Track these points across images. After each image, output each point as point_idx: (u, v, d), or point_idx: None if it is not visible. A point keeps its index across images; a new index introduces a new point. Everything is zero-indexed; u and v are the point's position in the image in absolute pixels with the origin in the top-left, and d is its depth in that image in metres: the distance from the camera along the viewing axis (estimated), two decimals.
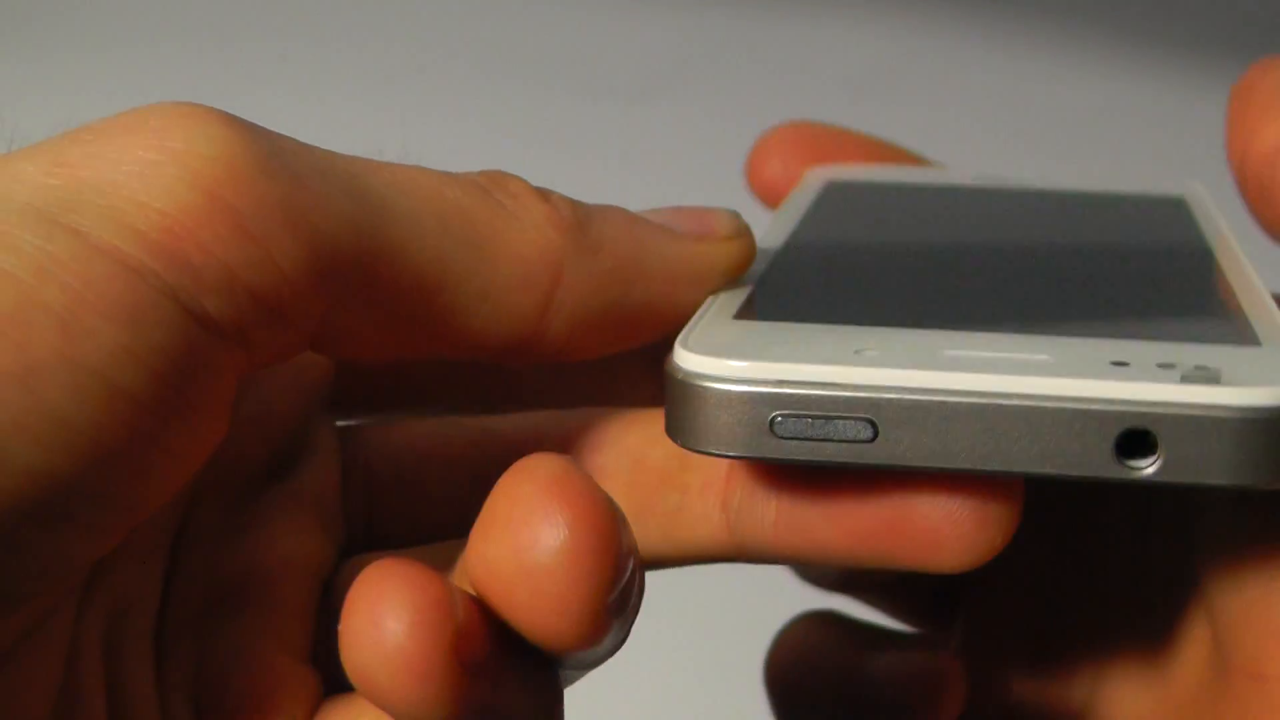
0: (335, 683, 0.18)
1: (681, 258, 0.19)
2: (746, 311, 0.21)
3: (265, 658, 0.18)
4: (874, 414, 0.18)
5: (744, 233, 0.20)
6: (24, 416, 0.13)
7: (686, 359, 0.18)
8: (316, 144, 0.16)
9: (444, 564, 0.19)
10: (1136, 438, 0.18)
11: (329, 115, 0.58)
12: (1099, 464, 0.18)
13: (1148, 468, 0.18)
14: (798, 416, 0.18)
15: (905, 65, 0.56)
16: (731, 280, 0.21)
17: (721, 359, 0.18)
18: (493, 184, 0.18)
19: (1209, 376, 0.18)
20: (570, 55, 0.55)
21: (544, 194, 0.18)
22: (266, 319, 0.15)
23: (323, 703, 0.19)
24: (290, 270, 0.15)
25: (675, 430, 0.19)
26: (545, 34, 0.55)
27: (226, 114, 0.15)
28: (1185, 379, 0.18)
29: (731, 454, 0.18)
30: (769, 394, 0.18)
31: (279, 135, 0.15)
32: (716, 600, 0.48)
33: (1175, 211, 0.28)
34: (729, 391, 0.18)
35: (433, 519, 0.21)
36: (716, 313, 0.20)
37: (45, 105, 0.57)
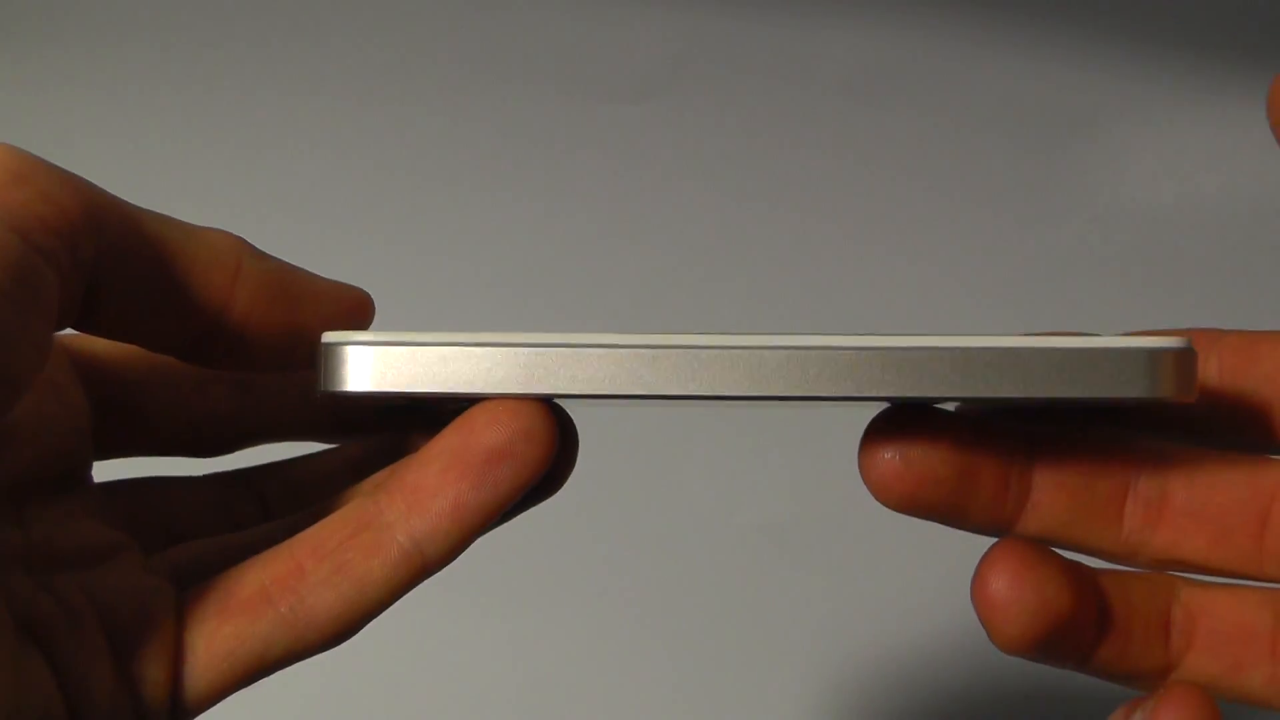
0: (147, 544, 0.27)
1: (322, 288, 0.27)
2: None
3: (84, 523, 0.26)
4: None
5: (364, 306, 0.28)
6: None
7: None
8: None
9: None
10: None
11: (324, 114, 0.58)
12: None
13: None
14: None
15: (905, 65, 0.56)
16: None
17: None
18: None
19: None
20: (569, 55, 0.55)
21: None
22: (68, 254, 0.23)
23: None
24: (76, 220, 0.23)
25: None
26: (543, 33, 0.55)
27: (31, 156, 0.23)
28: None
29: None
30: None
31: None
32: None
33: None
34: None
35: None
36: None
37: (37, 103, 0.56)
